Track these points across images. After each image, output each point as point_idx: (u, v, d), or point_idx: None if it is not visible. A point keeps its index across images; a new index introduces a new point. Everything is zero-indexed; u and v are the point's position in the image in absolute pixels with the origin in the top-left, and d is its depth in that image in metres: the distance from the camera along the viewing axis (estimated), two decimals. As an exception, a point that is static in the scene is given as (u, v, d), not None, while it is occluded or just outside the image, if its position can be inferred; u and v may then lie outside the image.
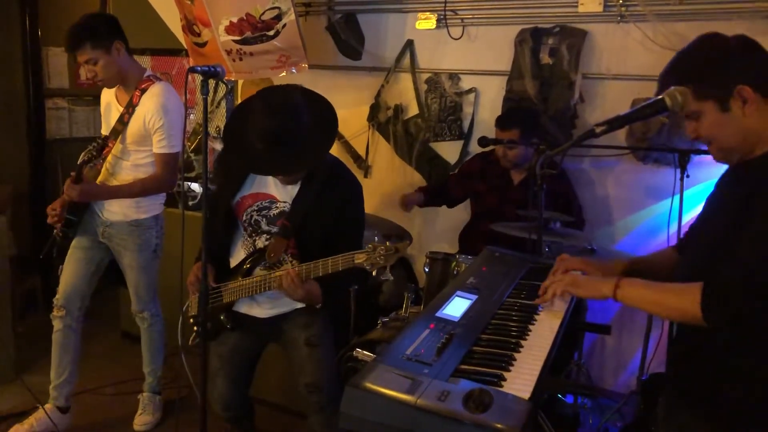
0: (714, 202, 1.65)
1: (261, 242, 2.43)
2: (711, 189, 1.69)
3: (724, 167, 1.69)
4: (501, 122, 3.27)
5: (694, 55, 1.59)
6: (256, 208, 2.42)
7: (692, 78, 1.55)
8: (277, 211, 2.40)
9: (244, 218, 2.45)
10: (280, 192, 2.41)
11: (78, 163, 2.93)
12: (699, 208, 1.71)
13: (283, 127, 2.21)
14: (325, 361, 2.44)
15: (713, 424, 1.53)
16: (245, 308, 2.48)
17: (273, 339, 2.56)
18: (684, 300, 1.46)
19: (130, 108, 2.95)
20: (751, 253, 1.39)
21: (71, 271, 3.09)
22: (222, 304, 2.47)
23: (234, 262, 2.50)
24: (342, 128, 2.42)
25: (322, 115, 2.36)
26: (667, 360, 1.73)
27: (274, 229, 2.39)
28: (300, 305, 2.43)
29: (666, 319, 1.58)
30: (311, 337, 2.43)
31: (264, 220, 2.42)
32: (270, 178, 2.41)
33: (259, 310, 2.47)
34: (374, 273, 2.08)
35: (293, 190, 2.39)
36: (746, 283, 1.39)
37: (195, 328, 2.51)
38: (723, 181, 1.66)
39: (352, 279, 2.45)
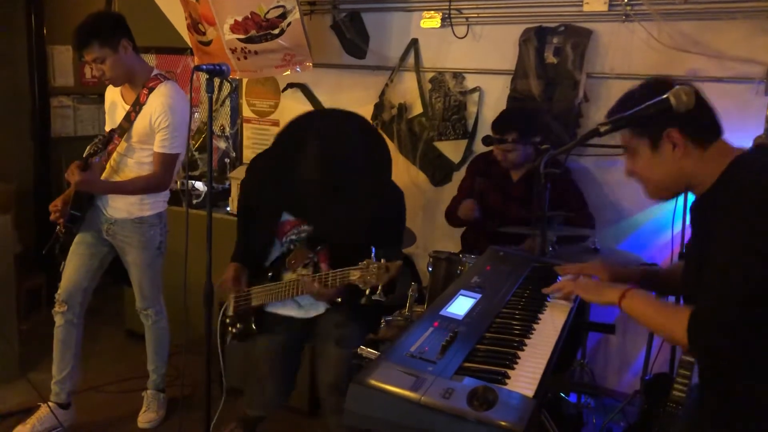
0: (689, 246, 1.69)
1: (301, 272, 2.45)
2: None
3: None
4: (497, 127, 3.25)
5: (636, 94, 1.64)
6: (294, 233, 2.45)
7: (629, 122, 1.60)
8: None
9: (283, 242, 2.49)
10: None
11: (83, 155, 2.94)
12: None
13: (335, 178, 2.22)
14: (350, 364, 2.45)
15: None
16: (287, 311, 2.50)
17: (308, 336, 2.57)
18: (673, 325, 1.48)
19: (137, 106, 2.96)
20: (716, 288, 1.42)
21: (74, 267, 3.10)
22: (251, 306, 2.49)
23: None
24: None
25: (378, 167, 2.38)
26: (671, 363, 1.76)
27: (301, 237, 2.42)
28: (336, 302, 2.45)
29: (659, 337, 1.61)
30: (342, 339, 2.42)
31: (300, 243, 2.47)
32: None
33: (300, 311, 2.50)
34: (367, 292, 2.08)
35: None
36: (719, 318, 1.40)
37: (230, 329, 2.55)
38: (691, 224, 1.70)
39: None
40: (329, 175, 2.20)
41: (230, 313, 2.56)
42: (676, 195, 1.65)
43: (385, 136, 3.94)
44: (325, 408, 2.46)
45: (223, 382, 2.77)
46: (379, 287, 2.07)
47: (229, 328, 2.56)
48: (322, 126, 2.33)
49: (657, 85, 1.61)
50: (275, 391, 2.53)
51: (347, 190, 2.22)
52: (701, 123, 1.57)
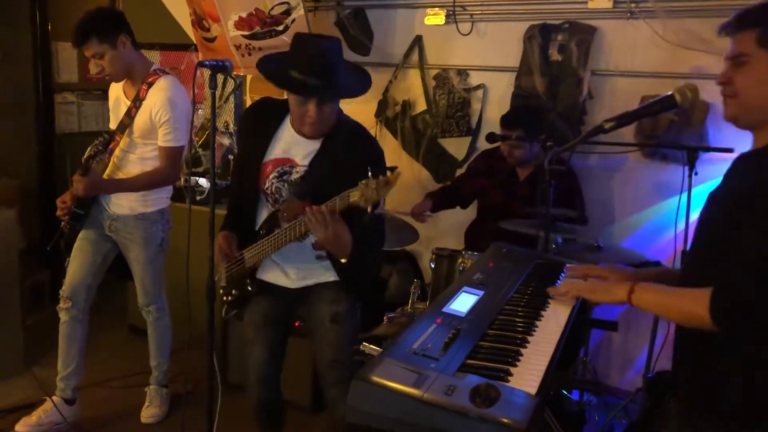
0: (718, 195, 1.61)
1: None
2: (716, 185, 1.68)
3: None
4: (506, 122, 3.26)
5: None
6: (276, 174, 2.36)
7: (762, 22, 1.48)
8: (298, 176, 2.35)
9: (266, 186, 2.39)
10: (300, 155, 2.35)
11: (84, 158, 2.95)
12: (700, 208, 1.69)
13: (325, 55, 2.20)
14: (347, 339, 2.45)
15: (723, 422, 1.53)
16: (274, 278, 2.47)
17: (300, 310, 2.56)
18: (693, 304, 1.45)
19: (137, 102, 2.96)
20: (755, 250, 1.38)
21: (78, 264, 3.11)
22: (246, 269, 2.45)
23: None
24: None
25: (357, 66, 2.42)
26: (674, 361, 1.73)
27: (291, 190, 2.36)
28: (327, 279, 2.42)
29: (678, 323, 1.56)
30: (336, 315, 2.42)
31: (285, 186, 2.36)
32: (290, 143, 2.35)
33: (287, 280, 2.45)
34: (369, 209, 2.01)
35: (311, 154, 2.34)
36: (752, 284, 1.37)
37: (225, 298, 2.52)
38: (728, 174, 1.62)
39: (373, 246, 2.43)
40: (320, 62, 2.20)
41: (223, 283, 2.52)
42: (751, 125, 1.54)
43: (389, 134, 3.95)
44: (325, 384, 2.46)
45: (221, 374, 2.77)
46: (381, 200, 2.01)
47: (225, 298, 2.51)
48: (304, 36, 2.38)
49: None
50: (262, 357, 2.51)
51: (336, 76, 2.22)
52: None
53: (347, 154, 2.30)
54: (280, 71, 2.25)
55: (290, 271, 2.45)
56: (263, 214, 2.45)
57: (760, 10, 1.51)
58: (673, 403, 1.72)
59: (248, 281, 2.47)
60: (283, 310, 2.53)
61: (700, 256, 1.61)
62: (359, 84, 2.34)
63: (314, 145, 2.33)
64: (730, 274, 1.41)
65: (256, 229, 2.43)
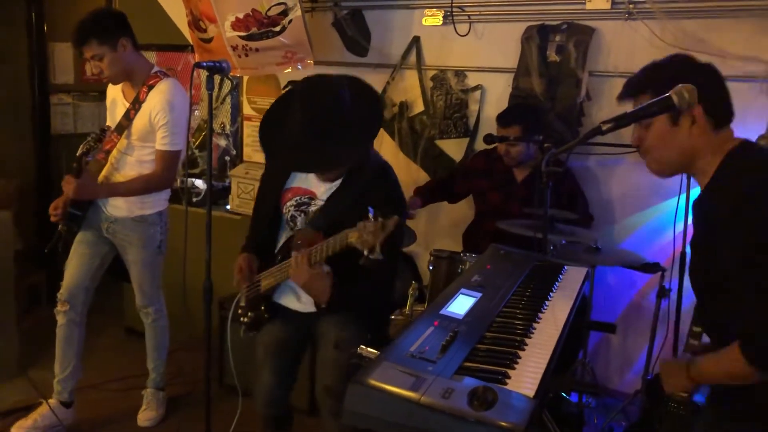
0: (696, 243, 1.66)
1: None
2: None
3: None
4: (502, 119, 3.25)
5: (662, 66, 1.66)
6: (294, 203, 2.38)
7: (654, 85, 1.61)
8: (315, 208, 2.36)
9: (284, 212, 2.41)
10: (320, 189, 2.36)
11: (77, 154, 2.93)
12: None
13: (322, 121, 2.17)
14: (347, 368, 2.41)
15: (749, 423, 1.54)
16: (288, 301, 2.46)
17: (310, 334, 2.53)
18: (732, 366, 1.48)
19: (136, 104, 2.95)
20: (751, 309, 1.42)
21: (75, 266, 3.09)
22: (261, 294, 2.45)
23: None
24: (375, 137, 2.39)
25: (366, 100, 2.31)
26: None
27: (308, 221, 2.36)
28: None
29: (737, 384, 1.58)
30: (341, 341, 2.36)
31: (301, 216, 2.38)
32: (312, 174, 2.37)
33: (300, 304, 2.45)
34: (365, 252, 2.01)
35: (333, 187, 2.34)
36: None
37: (241, 319, 2.52)
38: (693, 222, 1.70)
39: (376, 292, 2.41)
40: (315, 119, 2.17)
41: (242, 303, 2.53)
42: (676, 173, 1.68)
43: (386, 135, 3.94)
44: (322, 410, 2.44)
45: (233, 375, 2.76)
46: (377, 246, 2.00)
47: (242, 319, 2.52)
48: (306, 84, 2.29)
49: (681, 60, 1.66)
50: (272, 381, 2.49)
51: (336, 131, 2.18)
52: (722, 103, 1.60)
53: (367, 194, 2.28)
54: (278, 143, 2.26)
55: (303, 295, 2.42)
56: (283, 237, 2.46)
57: (645, 76, 1.67)
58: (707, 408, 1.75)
59: (263, 306, 2.47)
60: (295, 334, 2.50)
61: (704, 300, 1.66)
62: (367, 131, 2.29)
63: (336, 181, 2.34)
64: (743, 320, 1.45)
65: (275, 251, 2.44)
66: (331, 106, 2.19)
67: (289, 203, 2.39)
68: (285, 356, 2.50)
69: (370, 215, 1.98)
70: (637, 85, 1.66)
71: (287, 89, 2.41)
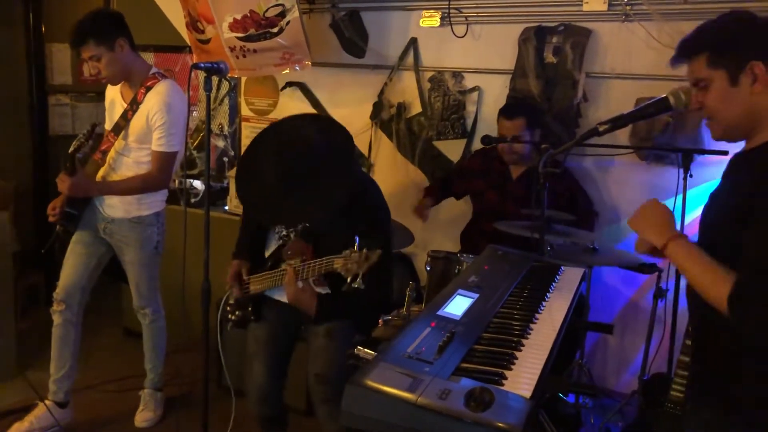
0: (718, 195, 1.61)
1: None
2: (715, 186, 1.67)
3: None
4: (506, 111, 3.27)
5: (717, 24, 1.58)
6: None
7: (709, 45, 1.54)
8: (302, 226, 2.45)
9: (276, 231, 2.52)
10: None
11: (69, 152, 2.93)
12: (701, 208, 1.68)
13: (295, 175, 2.22)
14: (337, 355, 2.46)
15: (735, 416, 1.53)
16: (279, 295, 2.52)
17: (301, 324, 2.60)
18: (716, 292, 1.43)
19: (134, 105, 2.95)
20: (760, 259, 1.38)
21: (72, 266, 3.09)
22: (250, 295, 2.53)
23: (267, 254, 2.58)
24: (345, 126, 2.40)
25: (336, 141, 2.32)
26: (691, 354, 1.70)
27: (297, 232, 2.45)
28: None
29: (696, 290, 1.53)
30: (332, 330, 2.45)
31: (293, 233, 2.47)
32: None
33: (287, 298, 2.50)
34: (348, 279, 2.12)
35: None
36: (761, 295, 1.37)
37: (230, 316, 2.62)
38: (726, 174, 1.64)
39: (362, 313, 2.52)
40: (288, 173, 2.22)
41: (231, 301, 2.63)
42: (742, 137, 1.58)
43: (384, 136, 3.95)
44: (314, 398, 2.48)
45: (226, 377, 2.78)
46: (359, 275, 2.09)
47: (230, 315, 2.62)
48: (276, 131, 2.36)
49: (739, 17, 1.57)
50: (263, 372, 2.54)
51: (308, 183, 2.22)
52: None
53: (353, 209, 2.32)
54: (257, 194, 2.31)
55: None
56: (272, 240, 2.55)
57: (699, 36, 1.58)
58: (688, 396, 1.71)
59: (251, 308, 2.56)
60: (286, 326, 2.58)
61: (712, 231, 1.60)
62: (343, 181, 2.27)
63: None
64: (749, 274, 1.39)
65: (266, 257, 2.54)
66: (304, 156, 2.24)
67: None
68: (276, 348, 2.57)
69: (356, 245, 2.06)
70: (694, 45, 1.58)
71: (260, 132, 2.43)
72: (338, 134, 2.36)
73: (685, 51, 1.59)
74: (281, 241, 2.51)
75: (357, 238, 2.09)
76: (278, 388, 2.61)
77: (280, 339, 2.57)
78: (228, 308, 2.64)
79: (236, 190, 2.48)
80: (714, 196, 1.61)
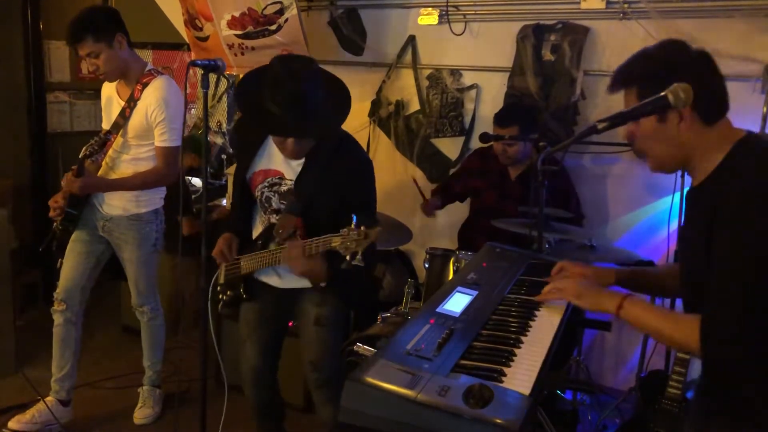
0: (684, 234, 1.62)
1: (275, 219, 2.43)
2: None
3: None
4: (499, 119, 3.26)
5: (647, 58, 1.59)
6: (267, 185, 2.42)
7: (638, 80, 1.56)
8: (286, 188, 2.40)
9: (257, 194, 2.45)
10: (287, 169, 2.39)
11: (79, 156, 2.93)
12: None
13: (302, 90, 2.19)
14: (329, 342, 2.48)
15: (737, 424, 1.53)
16: (266, 278, 2.52)
17: (291, 310, 2.60)
18: (683, 333, 1.44)
19: (131, 102, 2.95)
20: (725, 294, 1.38)
21: (71, 265, 3.09)
22: (240, 275, 2.51)
23: (255, 235, 2.54)
24: (343, 124, 2.40)
25: (338, 87, 2.36)
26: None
27: (284, 206, 2.41)
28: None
29: (666, 345, 1.54)
30: (321, 317, 2.46)
31: (275, 196, 2.41)
32: (277, 155, 2.38)
33: (279, 281, 2.50)
34: (347, 257, 2.09)
35: (298, 167, 2.37)
36: (732, 329, 1.36)
37: (221, 296, 2.58)
38: (685, 211, 1.64)
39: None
40: (296, 95, 2.20)
41: (221, 281, 2.59)
42: (675, 169, 1.60)
43: (382, 133, 3.95)
44: (310, 385, 2.51)
45: (223, 375, 2.78)
46: (359, 252, 2.08)
47: (220, 296, 2.59)
48: (281, 60, 2.31)
49: (672, 51, 1.56)
50: (255, 354, 2.56)
51: (308, 103, 2.21)
52: (712, 98, 1.51)
53: (333, 165, 2.33)
54: (257, 107, 2.26)
55: (281, 272, 2.48)
56: (257, 220, 2.52)
57: (630, 68, 1.59)
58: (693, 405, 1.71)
59: (242, 287, 2.53)
60: (276, 308, 2.57)
61: (689, 293, 1.60)
62: (339, 112, 2.32)
63: (300, 161, 2.37)
64: (717, 309, 1.39)
65: (255, 237, 2.49)
66: (310, 77, 2.23)
67: (261, 186, 2.43)
68: (267, 330, 2.58)
69: (353, 222, 2.04)
70: (625, 78, 1.59)
71: (259, 67, 2.42)
72: (339, 81, 2.39)
73: (619, 82, 1.60)
74: (274, 221, 2.47)
75: (354, 217, 2.08)
76: (272, 369, 2.63)
77: (271, 321, 2.58)
78: (219, 288, 2.61)
79: (237, 99, 2.38)
80: (681, 236, 1.63)
